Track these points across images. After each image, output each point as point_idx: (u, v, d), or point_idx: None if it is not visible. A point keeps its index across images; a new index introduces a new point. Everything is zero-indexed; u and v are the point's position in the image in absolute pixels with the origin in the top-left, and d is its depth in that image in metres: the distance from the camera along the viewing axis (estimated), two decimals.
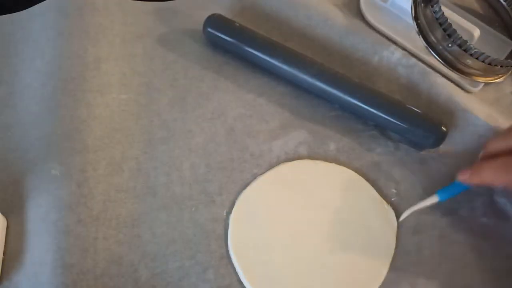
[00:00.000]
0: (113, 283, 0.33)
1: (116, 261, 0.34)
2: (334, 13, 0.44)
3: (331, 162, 0.39)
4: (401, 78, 0.42)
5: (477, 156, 0.39)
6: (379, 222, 0.37)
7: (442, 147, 0.40)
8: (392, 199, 0.38)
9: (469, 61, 0.41)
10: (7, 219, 0.34)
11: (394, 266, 0.35)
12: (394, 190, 0.38)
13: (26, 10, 0.42)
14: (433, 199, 0.37)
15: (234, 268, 0.34)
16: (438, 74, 0.42)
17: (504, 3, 0.46)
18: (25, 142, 0.37)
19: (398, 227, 0.37)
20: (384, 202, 0.37)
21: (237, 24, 0.41)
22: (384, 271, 0.35)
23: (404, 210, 0.37)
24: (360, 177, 0.38)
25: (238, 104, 0.40)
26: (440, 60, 0.42)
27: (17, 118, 0.38)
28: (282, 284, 0.34)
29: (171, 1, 0.44)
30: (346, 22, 0.43)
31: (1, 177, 0.36)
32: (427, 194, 0.38)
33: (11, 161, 0.36)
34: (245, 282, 0.34)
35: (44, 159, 0.36)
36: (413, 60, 0.42)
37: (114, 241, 0.34)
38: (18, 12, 0.42)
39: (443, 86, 0.41)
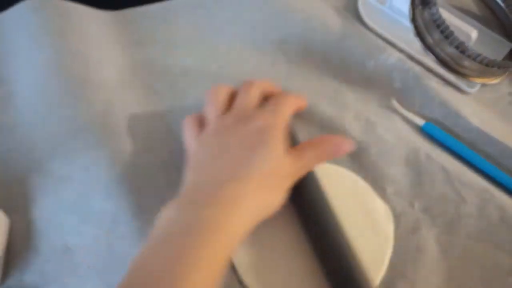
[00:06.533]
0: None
1: (118, 258, 0.34)
2: (331, 16, 0.44)
3: (329, 162, 0.39)
4: (396, 82, 0.42)
5: None
6: (376, 222, 0.37)
7: None
8: (390, 198, 0.38)
9: (466, 63, 0.41)
10: (10, 219, 0.34)
11: (392, 265, 0.35)
12: (392, 190, 0.38)
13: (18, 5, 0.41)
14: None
15: (233, 268, 0.34)
16: (433, 78, 0.42)
17: (501, 4, 0.47)
18: (28, 142, 0.37)
19: (395, 226, 0.37)
20: (382, 201, 0.38)
21: None
22: (382, 270, 0.35)
23: (402, 209, 0.38)
24: (358, 177, 0.38)
25: None
26: (438, 62, 0.42)
27: (20, 118, 0.38)
28: (282, 284, 0.34)
29: (170, 2, 0.44)
30: (343, 26, 0.44)
31: (5, 177, 0.36)
32: (425, 194, 0.38)
33: (14, 160, 0.37)
34: (245, 282, 0.34)
35: (47, 158, 0.36)
36: (408, 64, 0.42)
37: (115, 237, 0.34)
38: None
39: (437, 90, 0.42)
